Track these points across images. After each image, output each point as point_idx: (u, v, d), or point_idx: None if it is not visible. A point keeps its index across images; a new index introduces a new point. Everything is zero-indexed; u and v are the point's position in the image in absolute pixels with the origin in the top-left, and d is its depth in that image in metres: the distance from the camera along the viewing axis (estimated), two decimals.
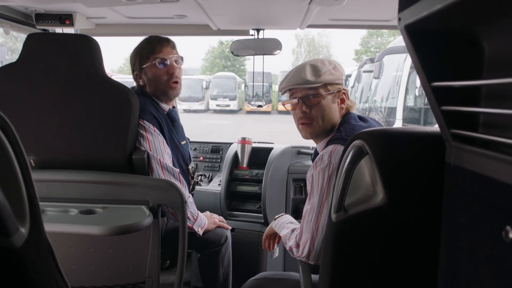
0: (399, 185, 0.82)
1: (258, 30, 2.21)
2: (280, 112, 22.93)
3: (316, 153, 1.47)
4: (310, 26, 2.17)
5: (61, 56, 1.44)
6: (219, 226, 1.92)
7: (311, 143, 2.18)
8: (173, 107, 1.86)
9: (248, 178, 2.47)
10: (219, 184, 2.50)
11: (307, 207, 1.33)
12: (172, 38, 1.84)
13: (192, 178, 1.93)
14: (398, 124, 7.05)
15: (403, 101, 7.13)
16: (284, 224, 1.53)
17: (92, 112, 1.45)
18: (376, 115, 8.03)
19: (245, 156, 2.51)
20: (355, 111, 1.50)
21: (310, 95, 1.39)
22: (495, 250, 0.61)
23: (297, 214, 2.43)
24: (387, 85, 7.99)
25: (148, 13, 1.99)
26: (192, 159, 1.98)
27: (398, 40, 8.24)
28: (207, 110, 23.49)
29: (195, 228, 1.72)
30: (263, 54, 2.30)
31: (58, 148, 1.48)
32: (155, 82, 1.74)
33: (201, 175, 2.67)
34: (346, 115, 1.44)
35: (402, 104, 7.14)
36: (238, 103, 23.92)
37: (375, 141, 0.84)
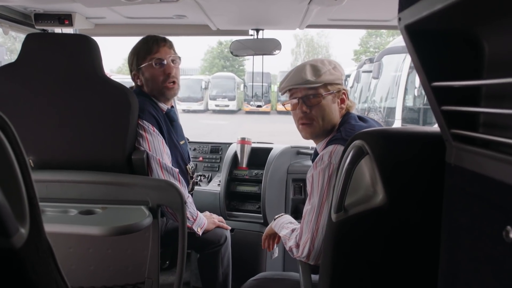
0: (399, 185, 0.82)
1: (257, 30, 2.21)
2: (279, 112, 22.94)
3: (316, 154, 1.47)
4: (309, 26, 2.17)
5: (60, 56, 1.43)
6: (218, 226, 1.92)
7: (310, 143, 2.18)
8: (172, 106, 1.86)
9: (248, 178, 2.47)
10: (218, 184, 2.50)
11: (307, 208, 1.33)
12: (171, 38, 1.83)
13: (191, 178, 1.92)
14: (397, 124, 7.06)
15: (402, 101, 7.14)
16: (284, 224, 1.53)
17: (91, 112, 1.45)
18: (375, 115, 8.03)
19: (245, 156, 2.51)
20: (354, 111, 1.50)
21: (310, 95, 1.39)
22: (496, 250, 0.61)
23: (296, 214, 2.43)
24: (386, 85, 7.99)
25: (148, 13, 1.99)
26: (191, 159, 1.98)
27: (397, 40, 8.25)
28: (206, 110, 23.48)
29: (195, 228, 1.71)
30: (263, 54, 2.30)
31: (58, 148, 1.47)
32: (152, 82, 1.74)
33: (200, 175, 2.67)
34: (346, 115, 1.44)
35: (401, 104, 7.15)
36: (237, 103, 23.91)
37: (375, 141, 0.84)
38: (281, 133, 11.65)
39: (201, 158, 2.81)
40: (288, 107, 1.47)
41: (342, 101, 1.44)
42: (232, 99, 23.47)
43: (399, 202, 0.82)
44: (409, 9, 0.67)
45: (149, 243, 1.48)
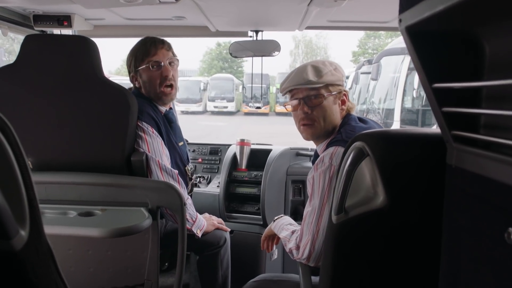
0: (400, 186, 0.82)
1: (256, 32, 2.21)
2: (278, 114, 22.97)
3: (316, 155, 1.47)
4: (308, 27, 2.17)
5: (60, 58, 1.43)
6: (218, 228, 1.91)
7: (309, 144, 2.18)
8: (170, 108, 1.86)
9: (247, 180, 2.46)
10: (217, 186, 2.49)
11: (307, 209, 1.33)
12: (169, 39, 1.83)
13: (190, 179, 1.92)
14: (396, 125, 7.07)
15: (401, 103, 7.15)
16: (283, 226, 1.52)
17: (90, 113, 1.44)
18: (374, 116, 8.04)
19: (244, 158, 2.51)
20: (353, 113, 1.50)
21: (311, 95, 1.39)
22: (497, 252, 0.60)
23: (296, 215, 2.42)
24: (385, 86, 8.01)
25: (147, 15, 1.99)
26: (190, 160, 1.97)
27: (396, 41, 8.27)
28: (204, 111, 23.48)
29: (194, 230, 1.71)
30: (262, 56, 2.30)
31: (57, 149, 1.47)
32: (149, 85, 1.73)
33: (199, 177, 2.67)
34: (347, 117, 1.43)
35: (400, 105, 7.16)
36: (236, 104, 23.93)
37: (376, 143, 0.84)
38: (280, 135, 11.67)
39: (200, 160, 2.80)
40: (289, 108, 1.46)
41: (343, 102, 1.43)
42: (230, 100, 23.48)
43: (399, 203, 0.82)
44: (410, 10, 0.67)
45: (149, 245, 1.47)
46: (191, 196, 1.89)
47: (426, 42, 0.69)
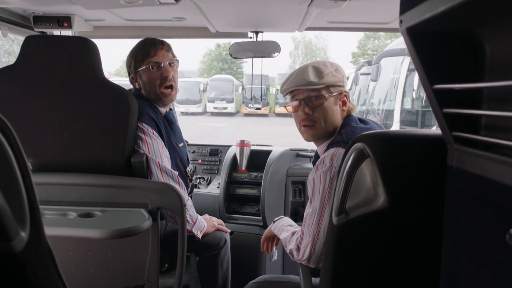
0: (401, 187, 0.82)
1: (256, 33, 2.21)
2: (278, 115, 22.98)
3: (317, 156, 1.47)
4: (308, 28, 2.17)
5: (60, 59, 1.43)
6: (218, 229, 1.91)
7: (310, 145, 2.18)
8: (170, 109, 1.86)
9: (247, 181, 2.46)
10: (217, 187, 2.49)
11: (308, 211, 1.33)
12: (169, 40, 1.83)
13: (190, 180, 1.92)
14: (395, 126, 7.07)
15: (401, 104, 7.15)
16: (283, 227, 1.52)
17: (90, 114, 1.44)
18: (374, 117, 8.04)
19: (244, 159, 2.51)
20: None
21: (312, 96, 1.39)
22: (498, 253, 0.60)
23: (296, 216, 2.42)
24: (385, 87, 8.01)
25: (147, 16, 1.99)
26: (190, 161, 1.97)
27: (395, 42, 8.28)
28: (204, 112, 23.49)
29: (194, 231, 1.71)
30: (262, 57, 2.30)
31: (57, 150, 1.47)
32: (149, 86, 1.73)
33: (199, 178, 2.66)
34: (347, 118, 1.43)
35: (400, 106, 7.17)
36: (236, 105, 23.94)
37: (376, 144, 0.84)
38: (280, 136, 11.67)
39: (200, 161, 2.80)
40: (290, 109, 1.46)
41: (344, 103, 1.43)
42: (230, 101, 23.49)
43: (400, 204, 0.82)
44: (411, 11, 0.67)
45: (149, 246, 1.47)
46: (191, 197, 1.89)
47: (427, 43, 0.69)
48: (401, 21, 0.71)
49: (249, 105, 22.43)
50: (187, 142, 2.17)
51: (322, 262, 1.02)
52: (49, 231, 0.57)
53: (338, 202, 0.89)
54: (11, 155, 0.50)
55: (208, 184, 2.66)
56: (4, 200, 0.47)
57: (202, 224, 1.77)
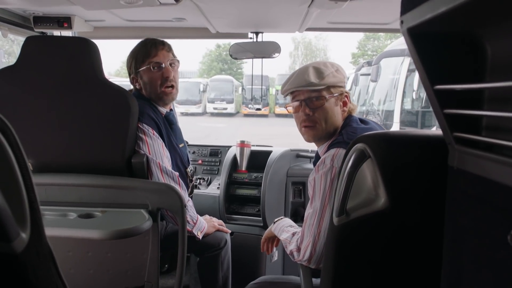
0: (401, 188, 0.82)
1: (257, 33, 2.21)
2: (278, 115, 22.99)
3: (317, 157, 1.47)
4: (309, 29, 2.17)
5: (60, 59, 1.43)
6: (218, 230, 1.91)
7: (310, 146, 2.17)
8: (171, 110, 1.86)
9: (247, 182, 2.46)
10: (218, 188, 2.49)
11: (308, 211, 1.33)
12: (169, 41, 1.83)
13: (191, 181, 1.92)
14: (395, 127, 7.07)
15: (401, 104, 7.15)
16: (284, 228, 1.52)
17: (91, 115, 1.44)
18: (374, 118, 8.04)
19: (244, 159, 2.51)
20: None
21: (313, 97, 1.38)
22: (500, 254, 0.60)
23: (296, 217, 2.42)
24: (385, 88, 8.01)
25: (147, 16, 1.99)
26: (190, 162, 1.97)
27: (395, 43, 8.28)
28: (204, 113, 23.50)
29: (195, 232, 1.71)
30: (262, 57, 2.30)
31: (57, 151, 1.47)
32: (150, 86, 1.73)
33: (199, 179, 2.66)
34: (348, 118, 1.43)
35: (400, 107, 7.17)
36: (236, 106, 23.94)
37: (377, 144, 0.84)
38: (280, 136, 11.67)
39: (200, 161, 2.80)
40: (290, 109, 1.46)
41: (345, 103, 1.43)
42: (230, 102, 23.50)
43: (401, 205, 0.82)
44: (412, 12, 0.67)
45: (149, 247, 1.47)
46: (191, 198, 1.88)
47: (428, 44, 0.69)
48: (402, 22, 0.70)
49: (249, 105, 22.45)
50: (187, 142, 2.17)
51: (323, 263, 1.02)
52: (49, 231, 0.56)
53: (339, 202, 0.89)
54: (12, 156, 0.50)
55: (208, 184, 2.66)
56: (5, 200, 0.47)
57: (203, 224, 1.76)
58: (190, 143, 2.70)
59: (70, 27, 1.94)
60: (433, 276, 0.80)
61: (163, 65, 1.72)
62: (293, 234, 1.43)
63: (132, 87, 1.84)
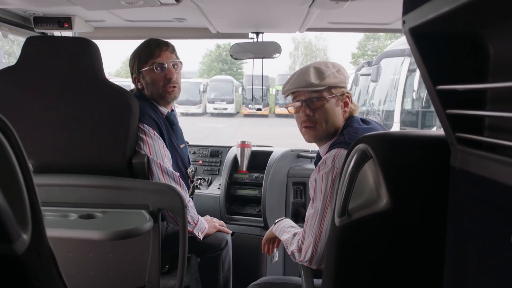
0: (404, 189, 0.82)
1: (257, 33, 2.21)
2: (278, 115, 23.00)
3: (318, 157, 1.46)
4: (309, 29, 2.17)
5: (61, 59, 1.43)
6: (219, 230, 1.91)
7: (310, 146, 2.17)
8: (172, 110, 1.85)
9: (248, 182, 2.46)
10: (218, 188, 2.49)
11: (310, 212, 1.32)
12: (170, 41, 1.83)
13: (192, 181, 1.92)
14: (395, 127, 7.07)
15: (401, 104, 7.15)
16: (285, 229, 1.52)
17: (91, 115, 1.44)
18: (374, 118, 8.03)
19: (245, 160, 2.51)
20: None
21: (313, 98, 1.38)
22: (503, 254, 0.60)
23: (297, 217, 2.42)
24: (385, 88, 8.01)
25: (147, 16, 1.99)
26: (191, 162, 1.97)
27: (395, 43, 8.27)
28: (204, 113, 23.51)
29: (196, 232, 1.70)
30: (263, 58, 2.29)
31: (57, 152, 1.46)
32: (152, 86, 1.73)
33: (200, 179, 2.66)
34: (349, 119, 1.43)
35: (400, 107, 7.16)
36: (236, 106, 23.95)
37: (379, 145, 0.84)
38: (280, 136, 11.68)
39: (201, 162, 2.80)
40: (291, 110, 1.46)
41: (346, 104, 1.43)
42: (230, 102, 23.51)
43: (403, 206, 0.82)
44: (414, 12, 0.67)
45: (150, 247, 1.47)
46: (192, 198, 1.88)
47: (430, 44, 0.69)
48: (404, 22, 0.70)
49: (249, 105, 22.45)
50: (187, 143, 2.16)
51: (324, 264, 1.01)
52: (50, 232, 0.56)
53: (340, 203, 0.88)
54: (13, 156, 0.50)
55: (209, 185, 2.66)
56: (6, 201, 0.46)
57: (204, 225, 1.76)
58: (190, 143, 2.70)
59: (70, 27, 1.94)
60: (436, 277, 0.80)
61: (166, 66, 1.72)
62: (294, 234, 1.43)
63: (132, 87, 1.84)
